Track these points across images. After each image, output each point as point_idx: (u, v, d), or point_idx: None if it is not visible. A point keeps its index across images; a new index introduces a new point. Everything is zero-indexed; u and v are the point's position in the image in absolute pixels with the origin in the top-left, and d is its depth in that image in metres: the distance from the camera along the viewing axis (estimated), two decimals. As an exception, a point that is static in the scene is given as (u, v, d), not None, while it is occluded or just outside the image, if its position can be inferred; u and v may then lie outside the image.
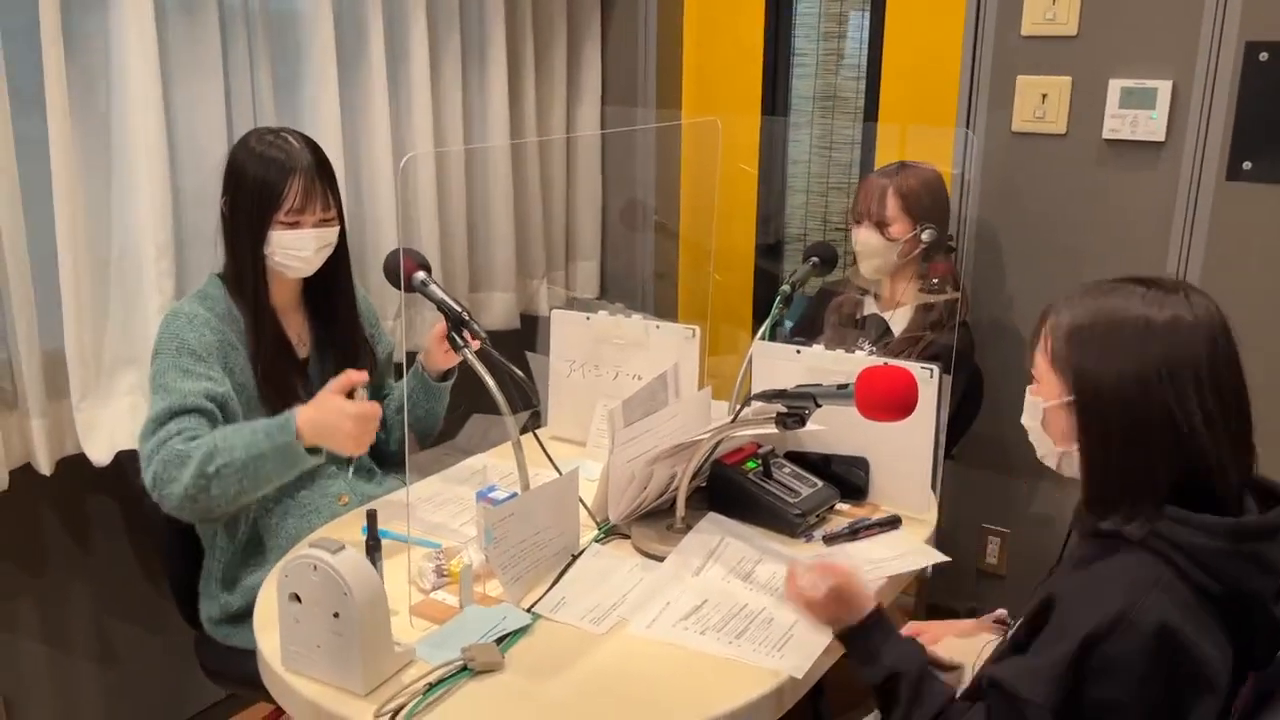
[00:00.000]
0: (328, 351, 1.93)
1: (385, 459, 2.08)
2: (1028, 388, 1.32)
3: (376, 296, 2.35)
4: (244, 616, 1.77)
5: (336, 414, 1.69)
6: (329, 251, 1.86)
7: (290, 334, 1.90)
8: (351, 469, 1.91)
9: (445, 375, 2.04)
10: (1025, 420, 1.32)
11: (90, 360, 1.95)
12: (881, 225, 2.29)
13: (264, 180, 1.77)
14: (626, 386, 2.01)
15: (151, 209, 1.98)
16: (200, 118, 2.08)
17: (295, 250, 1.80)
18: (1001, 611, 1.58)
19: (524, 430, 1.78)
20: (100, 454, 1.96)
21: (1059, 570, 1.30)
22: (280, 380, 1.83)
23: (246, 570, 1.83)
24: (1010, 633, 1.32)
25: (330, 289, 1.93)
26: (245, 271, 1.81)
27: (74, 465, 1.96)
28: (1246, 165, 2.27)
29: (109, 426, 1.98)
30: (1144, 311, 1.17)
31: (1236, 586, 1.14)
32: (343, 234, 1.90)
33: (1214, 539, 1.13)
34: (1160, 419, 1.15)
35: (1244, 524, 1.15)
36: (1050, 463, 1.31)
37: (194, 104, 2.07)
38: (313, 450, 1.71)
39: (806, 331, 2.44)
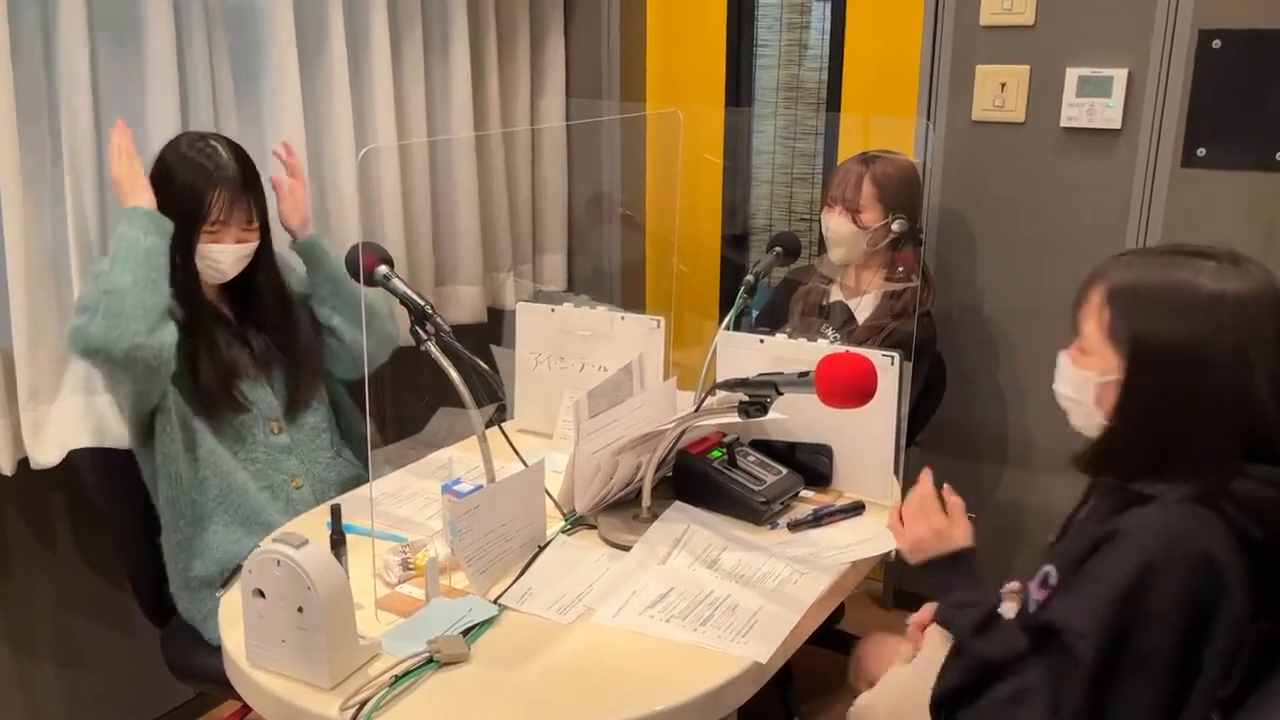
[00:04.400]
0: (261, 325, 1.97)
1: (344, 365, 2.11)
2: (1063, 353, 1.32)
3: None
4: (205, 585, 1.80)
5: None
6: (247, 260, 1.90)
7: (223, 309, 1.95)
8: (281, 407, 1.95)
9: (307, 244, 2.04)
10: (1065, 389, 1.32)
11: (37, 360, 1.91)
12: (854, 212, 2.29)
13: (190, 187, 1.81)
14: (592, 378, 2.01)
15: (100, 208, 1.95)
16: (156, 115, 2.05)
17: (213, 261, 1.85)
18: (1014, 584, 1.53)
19: (490, 423, 1.78)
20: (47, 455, 1.92)
21: (1076, 526, 1.30)
22: (207, 332, 1.87)
23: (200, 532, 1.82)
24: (1055, 580, 1.31)
25: (250, 285, 1.95)
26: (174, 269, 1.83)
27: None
28: (1201, 152, 2.30)
29: (57, 426, 1.94)
30: (1209, 283, 1.18)
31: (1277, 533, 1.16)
32: (265, 233, 1.93)
33: (1265, 488, 1.16)
34: (1226, 389, 1.16)
35: None
36: (1090, 432, 1.31)
37: (150, 101, 2.05)
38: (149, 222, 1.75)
39: (771, 320, 2.46)
